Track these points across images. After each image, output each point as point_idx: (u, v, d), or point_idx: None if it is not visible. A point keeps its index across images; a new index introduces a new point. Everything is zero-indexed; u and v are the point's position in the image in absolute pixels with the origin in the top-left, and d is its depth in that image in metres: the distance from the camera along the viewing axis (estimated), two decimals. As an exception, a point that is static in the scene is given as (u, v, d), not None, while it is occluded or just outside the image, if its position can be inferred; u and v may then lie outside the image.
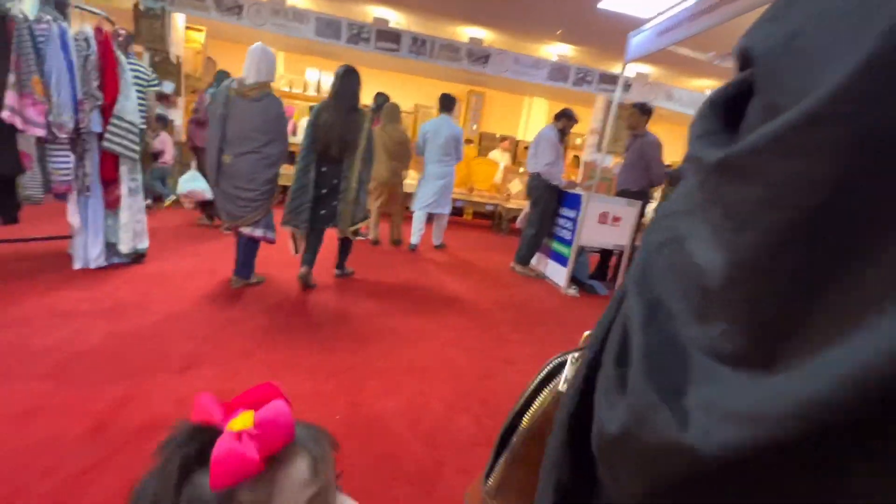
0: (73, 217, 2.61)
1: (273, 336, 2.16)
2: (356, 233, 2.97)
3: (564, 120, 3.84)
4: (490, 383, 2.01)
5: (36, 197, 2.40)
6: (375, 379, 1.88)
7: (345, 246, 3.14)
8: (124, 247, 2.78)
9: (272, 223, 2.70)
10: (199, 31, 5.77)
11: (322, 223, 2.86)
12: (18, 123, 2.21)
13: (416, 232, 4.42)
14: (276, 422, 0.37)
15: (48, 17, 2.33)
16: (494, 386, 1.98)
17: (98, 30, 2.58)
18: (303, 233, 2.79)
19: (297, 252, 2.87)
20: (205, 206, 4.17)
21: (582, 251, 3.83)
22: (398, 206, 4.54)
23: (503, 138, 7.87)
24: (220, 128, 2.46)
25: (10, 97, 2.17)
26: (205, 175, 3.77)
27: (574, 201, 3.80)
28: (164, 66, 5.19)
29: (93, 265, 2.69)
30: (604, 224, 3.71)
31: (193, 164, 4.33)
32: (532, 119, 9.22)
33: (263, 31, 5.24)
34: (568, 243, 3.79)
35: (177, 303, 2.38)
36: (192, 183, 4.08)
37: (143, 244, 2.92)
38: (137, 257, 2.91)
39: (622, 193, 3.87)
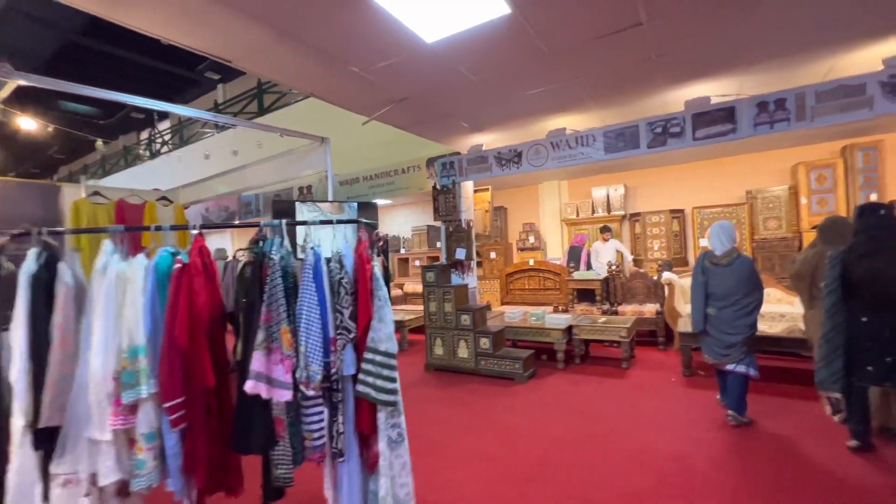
0: (327, 491, 1.94)
1: None
2: None
3: None
4: None
5: (286, 476, 1.82)
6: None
7: None
8: (385, 534, 1.89)
9: (755, 362, 3.06)
10: (486, 189, 5.80)
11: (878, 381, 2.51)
12: (263, 392, 1.71)
13: None
14: None
15: (310, 246, 1.95)
16: None
17: (358, 238, 2.11)
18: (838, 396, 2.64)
19: (832, 415, 2.75)
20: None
21: None
22: None
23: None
24: (703, 289, 3.16)
25: (256, 361, 1.72)
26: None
27: None
28: (458, 234, 5.18)
29: (348, 565, 1.88)
30: None
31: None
32: None
33: (544, 170, 4.58)
34: None
35: None
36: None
37: (410, 521, 1.97)
38: (402, 543, 1.96)
39: None
